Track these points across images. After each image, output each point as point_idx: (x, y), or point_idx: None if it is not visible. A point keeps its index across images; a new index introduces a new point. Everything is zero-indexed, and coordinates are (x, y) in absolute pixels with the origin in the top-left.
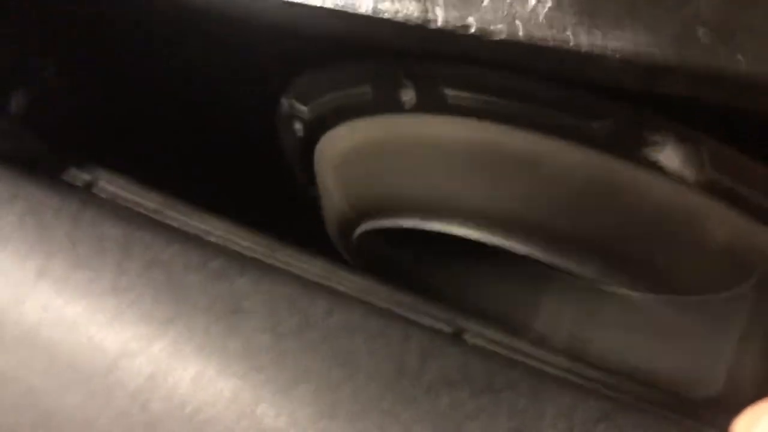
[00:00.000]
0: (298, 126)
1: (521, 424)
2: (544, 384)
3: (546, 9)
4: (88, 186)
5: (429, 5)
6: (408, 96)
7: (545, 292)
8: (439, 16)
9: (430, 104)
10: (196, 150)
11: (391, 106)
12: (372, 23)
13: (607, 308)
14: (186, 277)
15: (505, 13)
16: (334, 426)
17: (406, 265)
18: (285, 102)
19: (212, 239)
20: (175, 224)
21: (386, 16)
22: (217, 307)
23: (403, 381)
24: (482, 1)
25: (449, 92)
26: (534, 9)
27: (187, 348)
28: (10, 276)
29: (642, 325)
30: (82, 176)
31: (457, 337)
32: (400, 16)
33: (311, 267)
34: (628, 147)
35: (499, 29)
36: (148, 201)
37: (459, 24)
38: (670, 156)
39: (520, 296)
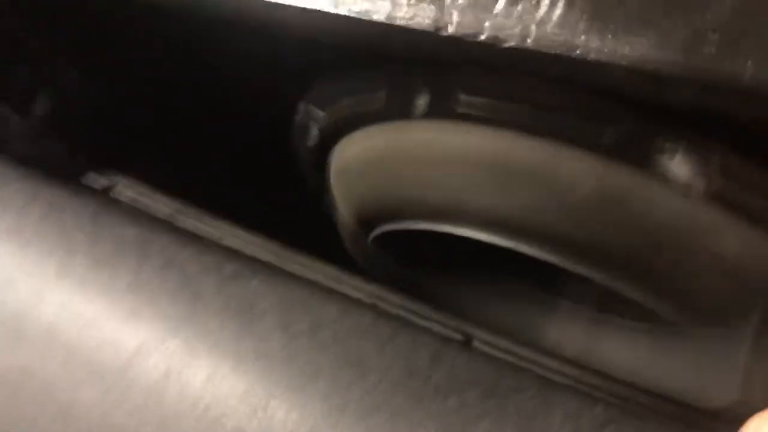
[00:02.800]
0: (313, 133)
1: (528, 426)
2: (551, 389)
3: (557, 16)
4: (107, 190)
5: (442, 12)
6: (421, 102)
7: (550, 320)
8: (452, 23)
9: (442, 111)
10: (212, 156)
11: (403, 112)
12: (387, 30)
13: (611, 336)
14: (201, 278)
15: (517, 19)
16: (343, 423)
17: (417, 280)
18: (302, 108)
19: (226, 244)
20: (190, 228)
21: (401, 23)
22: (231, 307)
23: (412, 382)
24: (494, 8)
25: (463, 99)
26: (545, 16)
27: (202, 346)
28: (32, 274)
29: (648, 350)
30: (100, 180)
31: (466, 343)
32: (413, 23)
33: (323, 272)
34: (639, 155)
35: (511, 35)
36: (164, 206)
37: (471, 30)
38: (680, 164)
39: (524, 325)
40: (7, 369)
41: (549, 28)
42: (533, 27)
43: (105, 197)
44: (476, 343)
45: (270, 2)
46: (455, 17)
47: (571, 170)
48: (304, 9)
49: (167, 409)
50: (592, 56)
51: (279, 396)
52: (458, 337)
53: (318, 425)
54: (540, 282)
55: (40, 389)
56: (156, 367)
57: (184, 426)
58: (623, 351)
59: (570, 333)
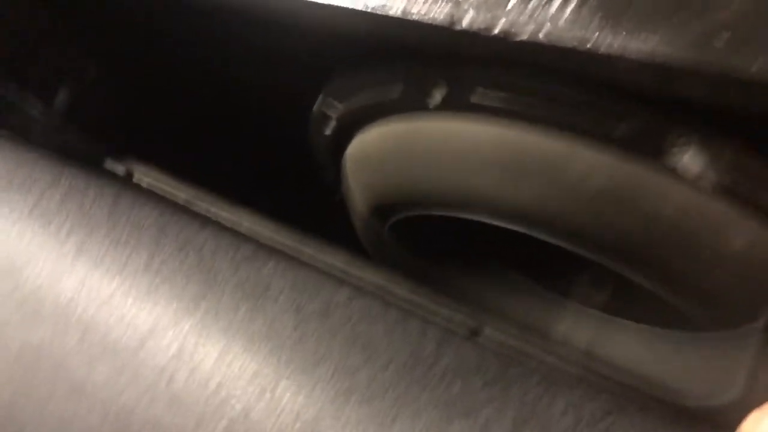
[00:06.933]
0: (330, 124)
1: (530, 413)
2: (555, 379)
3: (569, 12)
4: (127, 176)
5: (456, 7)
6: (437, 95)
7: (556, 320)
8: (466, 18)
9: (457, 103)
10: (229, 146)
11: (418, 105)
12: (402, 25)
13: (618, 338)
14: (216, 260)
15: (530, 15)
16: (349, 406)
17: (429, 272)
18: (320, 99)
19: (242, 230)
20: (207, 214)
21: (415, 17)
22: (245, 288)
23: (418, 368)
24: (508, 4)
25: (478, 92)
26: (557, 12)
27: (214, 326)
28: (52, 253)
29: (653, 350)
30: (119, 168)
31: (473, 332)
32: (428, 18)
33: (336, 259)
34: (651, 149)
35: (523, 30)
36: (181, 192)
37: (484, 25)
38: (692, 159)
39: (531, 323)
40: (25, 346)
41: (561, 22)
42: (546, 21)
43: (124, 181)
44: (485, 333)
45: None
46: (469, 12)
47: (584, 163)
48: (322, 4)
49: (177, 388)
50: (603, 50)
51: (287, 378)
52: (467, 325)
53: (324, 408)
54: (549, 282)
55: (55, 366)
56: (169, 346)
57: (193, 406)
58: (627, 352)
59: (576, 333)
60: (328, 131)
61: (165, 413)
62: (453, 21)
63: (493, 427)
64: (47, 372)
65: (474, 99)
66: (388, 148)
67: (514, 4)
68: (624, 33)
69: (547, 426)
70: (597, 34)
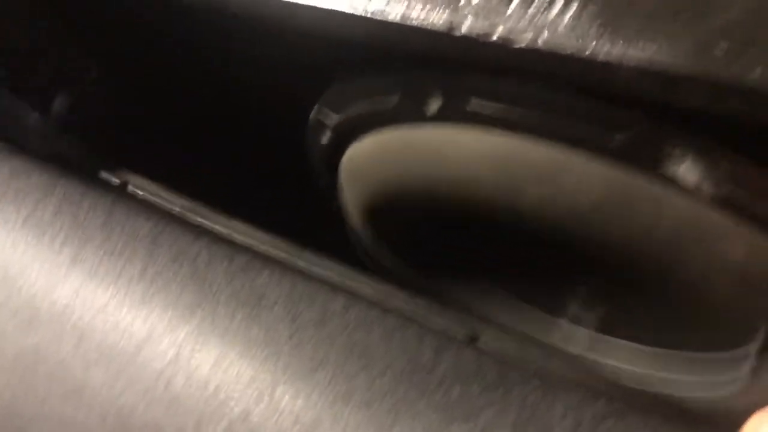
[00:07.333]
0: (326, 133)
1: (530, 417)
2: (555, 383)
3: (569, 18)
4: (123, 186)
5: (455, 13)
6: (434, 105)
7: (549, 337)
8: (464, 24)
9: (453, 114)
10: (225, 150)
11: (414, 115)
12: (401, 30)
13: (610, 357)
14: (211, 270)
15: (529, 21)
16: (348, 410)
17: (424, 283)
18: (315, 109)
19: (237, 240)
20: (201, 224)
21: (415, 23)
22: (240, 297)
23: (417, 373)
24: (507, 11)
25: (474, 102)
26: (557, 17)
27: (210, 333)
28: (47, 262)
29: (647, 371)
30: (114, 179)
31: (471, 338)
32: (427, 24)
33: (332, 268)
34: (649, 159)
35: (521, 38)
36: (175, 202)
37: (482, 32)
38: (689, 170)
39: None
40: (22, 350)
41: (560, 29)
42: (545, 29)
43: (119, 191)
44: (482, 338)
45: (285, 2)
46: (468, 18)
47: (580, 174)
48: (318, 8)
49: (175, 391)
50: (602, 57)
51: (285, 382)
52: (465, 332)
53: (323, 412)
54: (541, 300)
55: (53, 370)
56: (165, 352)
57: (192, 407)
58: (619, 371)
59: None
60: (324, 141)
61: (164, 415)
62: (452, 27)
63: (493, 430)
64: (45, 374)
65: (470, 109)
66: (383, 158)
67: (514, 11)
68: (622, 40)
69: (547, 429)
70: (595, 41)
